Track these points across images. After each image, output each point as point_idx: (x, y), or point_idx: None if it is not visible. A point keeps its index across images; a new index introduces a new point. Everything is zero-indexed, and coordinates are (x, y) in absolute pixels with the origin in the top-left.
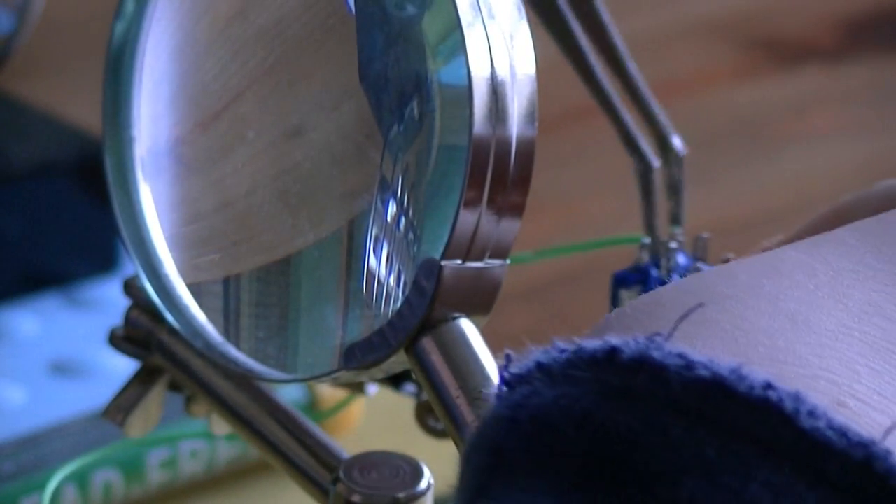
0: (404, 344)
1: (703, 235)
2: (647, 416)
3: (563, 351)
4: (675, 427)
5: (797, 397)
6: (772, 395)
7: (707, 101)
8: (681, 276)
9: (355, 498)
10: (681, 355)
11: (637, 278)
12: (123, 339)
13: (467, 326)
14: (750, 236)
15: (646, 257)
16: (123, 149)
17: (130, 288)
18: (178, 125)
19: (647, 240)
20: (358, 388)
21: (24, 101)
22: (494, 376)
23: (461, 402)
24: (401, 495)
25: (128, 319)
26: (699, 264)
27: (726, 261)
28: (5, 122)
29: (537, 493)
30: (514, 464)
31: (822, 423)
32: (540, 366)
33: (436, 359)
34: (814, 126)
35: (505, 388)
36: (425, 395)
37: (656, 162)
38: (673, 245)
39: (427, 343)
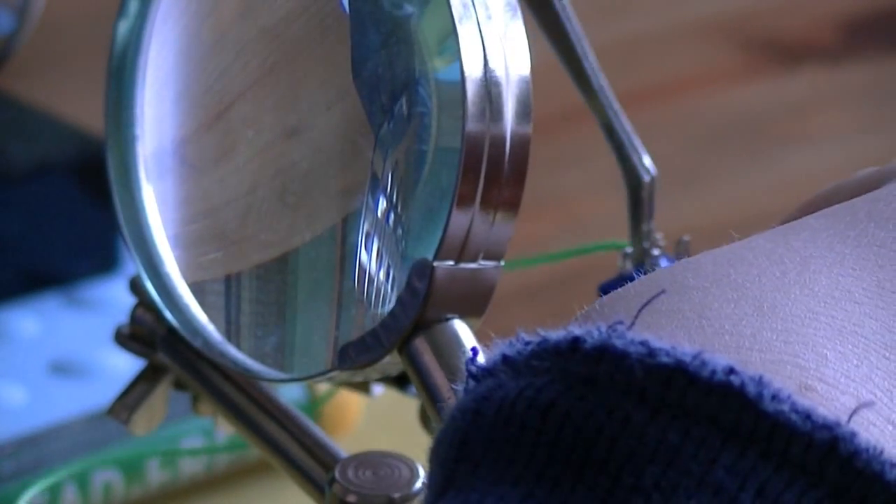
0: (397, 344)
1: (685, 238)
2: (610, 403)
3: (527, 343)
4: (638, 414)
5: (760, 381)
6: (734, 379)
7: (707, 101)
8: None
9: (350, 498)
10: (643, 343)
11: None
12: (129, 338)
13: (461, 327)
14: (749, 236)
15: (629, 265)
16: (126, 147)
17: (136, 286)
18: (183, 126)
19: (629, 249)
20: (363, 388)
21: (24, 101)
22: None
23: (452, 403)
24: (396, 495)
25: (133, 318)
26: None
27: (683, 243)
28: (5, 122)
29: (503, 484)
30: (479, 455)
31: (786, 407)
32: (505, 358)
33: (428, 359)
34: (814, 126)
35: (471, 382)
36: None
37: (647, 176)
38: (655, 251)
39: (420, 343)
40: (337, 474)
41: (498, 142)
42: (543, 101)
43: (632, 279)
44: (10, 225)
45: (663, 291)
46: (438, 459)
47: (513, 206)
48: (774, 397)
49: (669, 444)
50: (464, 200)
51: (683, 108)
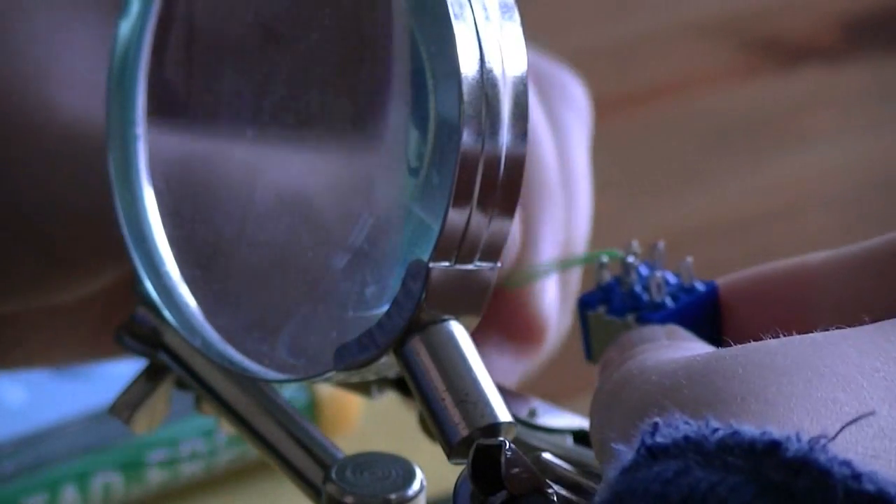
0: (392, 345)
1: (659, 245)
2: None
3: (715, 430)
4: None
5: None
6: None
7: (707, 101)
8: (644, 287)
9: (347, 499)
10: (846, 464)
11: (601, 297)
12: (130, 337)
13: (456, 328)
14: (749, 236)
15: (607, 276)
16: (127, 146)
17: (137, 285)
18: (188, 128)
19: (605, 258)
20: (364, 390)
21: None
22: (482, 378)
23: (448, 404)
24: (392, 497)
25: (134, 317)
26: (661, 273)
27: (658, 251)
28: None
29: None
30: None
31: None
32: (688, 440)
33: (423, 360)
34: (814, 126)
35: (646, 455)
36: None
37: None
38: (630, 259)
39: (415, 344)
40: (333, 475)
41: (494, 143)
42: None
43: (610, 288)
44: None
45: (873, 413)
46: None
47: (509, 207)
48: None
49: None
50: (459, 201)
51: (683, 108)
